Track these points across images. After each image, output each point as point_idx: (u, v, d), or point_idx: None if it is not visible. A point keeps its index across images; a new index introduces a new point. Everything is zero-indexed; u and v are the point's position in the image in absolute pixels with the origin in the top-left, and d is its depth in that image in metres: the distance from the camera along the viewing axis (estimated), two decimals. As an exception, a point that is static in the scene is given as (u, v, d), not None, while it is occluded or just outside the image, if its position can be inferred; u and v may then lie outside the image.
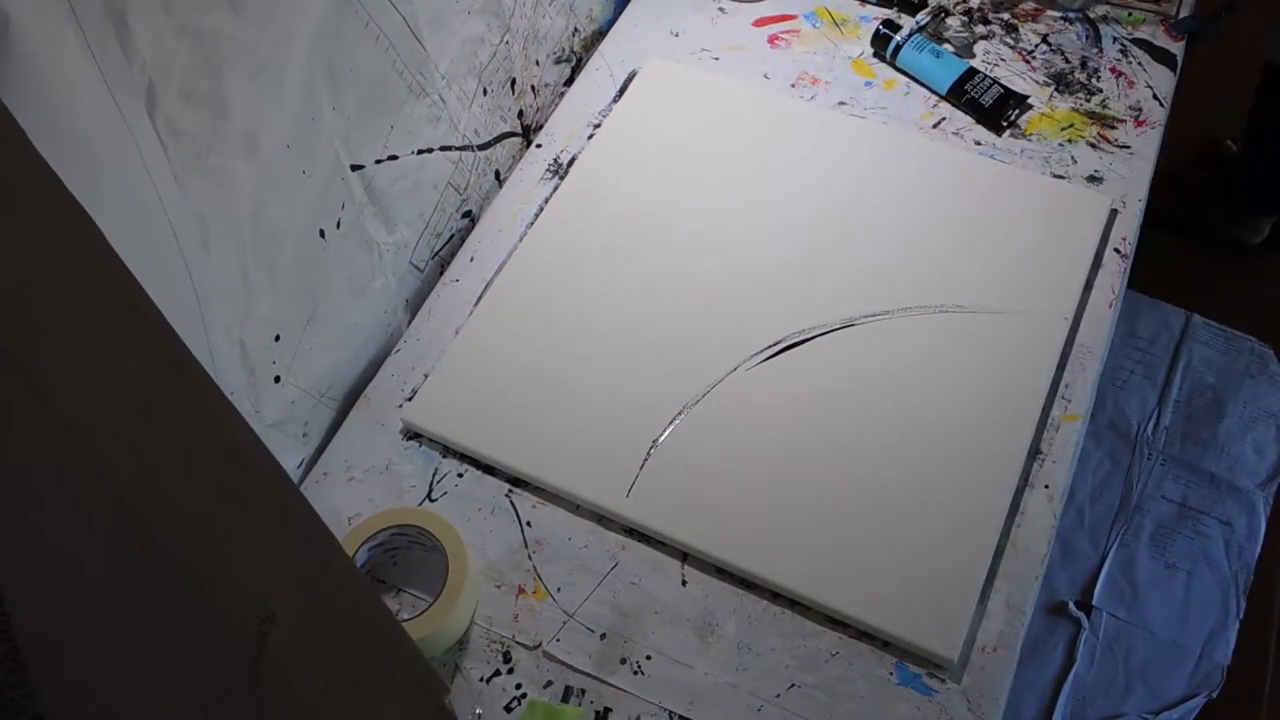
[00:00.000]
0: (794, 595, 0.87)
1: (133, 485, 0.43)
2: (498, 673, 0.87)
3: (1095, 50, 1.21)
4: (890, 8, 1.26)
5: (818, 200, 1.09)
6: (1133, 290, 1.69)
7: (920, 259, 1.04)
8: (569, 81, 1.27)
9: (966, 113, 1.17)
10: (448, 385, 0.99)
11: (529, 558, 0.91)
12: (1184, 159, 1.90)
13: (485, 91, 1.09)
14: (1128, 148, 1.13)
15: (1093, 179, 1.11)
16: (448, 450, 0.98)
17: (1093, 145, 1.13)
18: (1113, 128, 1.14)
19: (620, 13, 1.30)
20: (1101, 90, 1.17)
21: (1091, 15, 1.24)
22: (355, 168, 0.91)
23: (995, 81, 1.16)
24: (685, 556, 0.91)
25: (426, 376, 1.00)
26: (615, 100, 1.20)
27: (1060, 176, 1.11)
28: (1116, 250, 1.06)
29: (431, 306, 1.07)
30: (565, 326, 1.01)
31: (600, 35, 1.29)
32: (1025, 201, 1.07)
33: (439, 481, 0.96)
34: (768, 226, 1.08)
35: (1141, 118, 1.15)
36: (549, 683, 0.86)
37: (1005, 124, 1.15)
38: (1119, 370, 1.68)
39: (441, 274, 1.10)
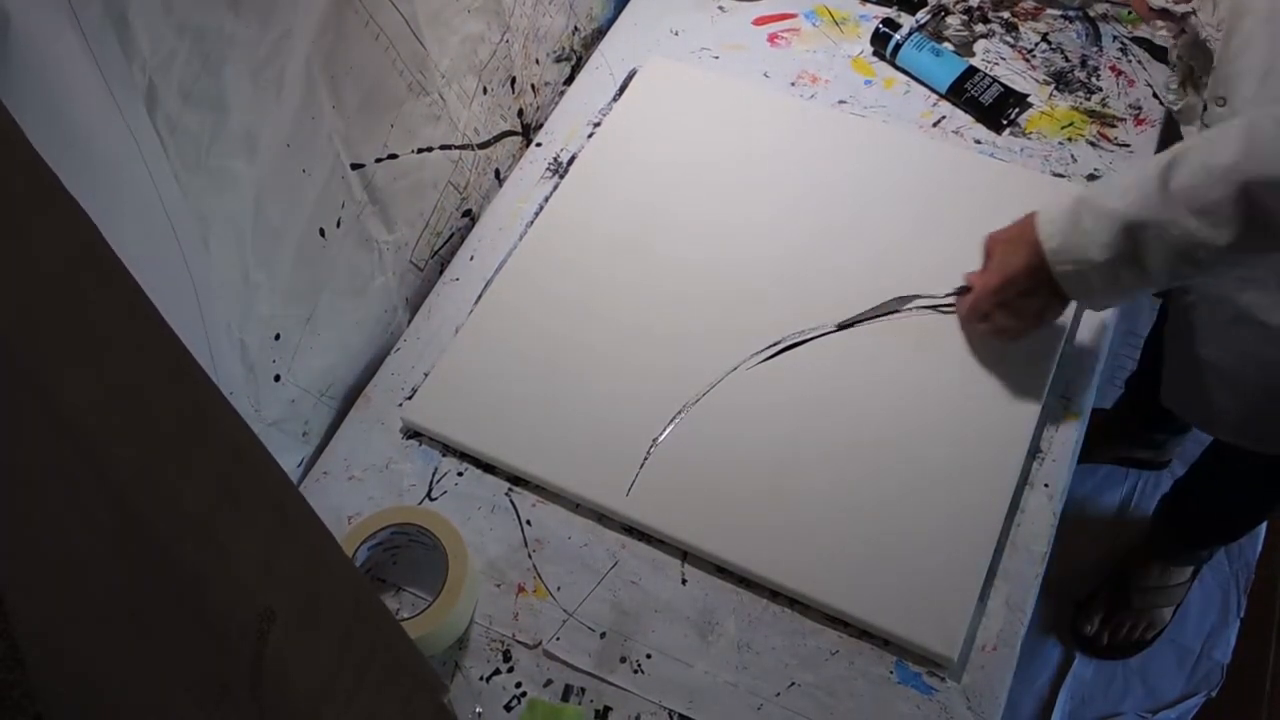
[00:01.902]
0: (794, 594, 0.87)
1: (133, 485, 0.43)
2: (498, 671, 0.87)
3: (1095, 49, 1.21)
4: (890, 6, 1.26)
5: (817, 199, 1.09)
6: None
7: (920, 258, 1.03)
8: (569, 80, 1.27)
9: (966, 111, 1.17)
10: (447, 384, 0.99)
11: (529, 556, 0.91)
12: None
13: (485, 90, 1.09)
14: (1127, 146, 1.13)
15: (1093, 177, 1.11)
16: (448, 449, 0.98)
17: (1092, 144, 1.13)
18: (1113, 126, 1.14)
19: (620, 11, 1.30)
20: (1101, 89, 1.17)
21: (1091, 14, 1.24)
22: (355, 166, 0.91)
23: (995, 80, 1.16)
24: (685, 555, 0.91)
25: (426, 375, 1.01)
26: (615, 99, 1.20)
27: (1060, 175, 1.11)
28: (1116, 249, 1.06)
29: (431, 305, 1.07)
30: (565, 325, 1.01)
31: (600, 34, 1.29)
32: (1025, 200, 1.07)
33: (439, 480, 0.96)
34: (767, 225, 1.07)
35: (1141, 116, 1.15)
36: (549, 682, 0.86)
37: (1005, 122, 1.15)
38: (1119, 369, 1.67)
39: (441, 273, 1.10)
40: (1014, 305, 0.91)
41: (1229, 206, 0.74)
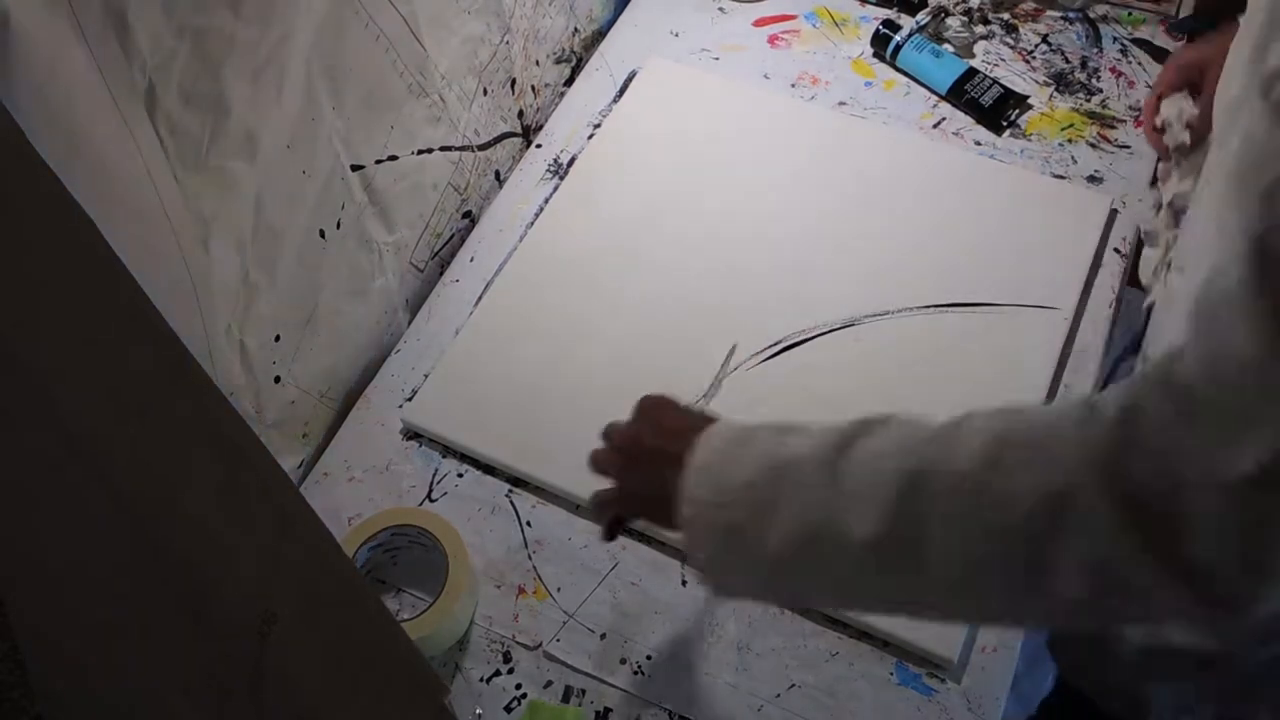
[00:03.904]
0: (794, 595, 0.87)
1: (133, 485, 0.43)
2: (498, 673, 0.87)
3: (1095, 50, 1.21)
4: (890, 8, 1.26)
5: (817, 200, 1.09)
6: (1132, 287, 1.69)
7: (920, 259, 1.04)
8: (569, 81, 1.27)
9: (966, 113, 1.17)
10: (448, 385, 0.99)
11: (529, 558, 0.91)
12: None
13: (485, 91, 1.09)
14: (1127, 147, 1.13)
15: (1093, 179, 1.11)
16: (448, 450, 0.98)
17: (1093, 145, 1.13)
18: (1112, 127, 1.14)
19: (620, 13, 1.30)
20: (1101, 90, 1.17)
21: (1091, 15, 1.24)
22: (355, 168, 0.91)
23: (995, 81, 1.16)
24: (685, 557, 0.90)
25: (426, 376, 1.00)
26: (615, 100, 1.20)
27: (1060, 176, 1.11)
28: (1116, 250, 1.06)
29: (431, 306, 1.07)
30: (565, 326, 1.01)
31: (600, 35, 1.29)
32: (1025, 201, 1.07)
33: (439, 481, 0.96)
34: (768, 226, 1.07)
35: (1141, 118, 1.15)
36: (549, 683, 0.86)
37: (1005, 124, 1.15)
38: (1119, 366, 1.67)
39: (441, 274, 1.10)
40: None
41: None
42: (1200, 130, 0.86)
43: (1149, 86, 1.17)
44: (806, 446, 0.56)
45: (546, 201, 1.12)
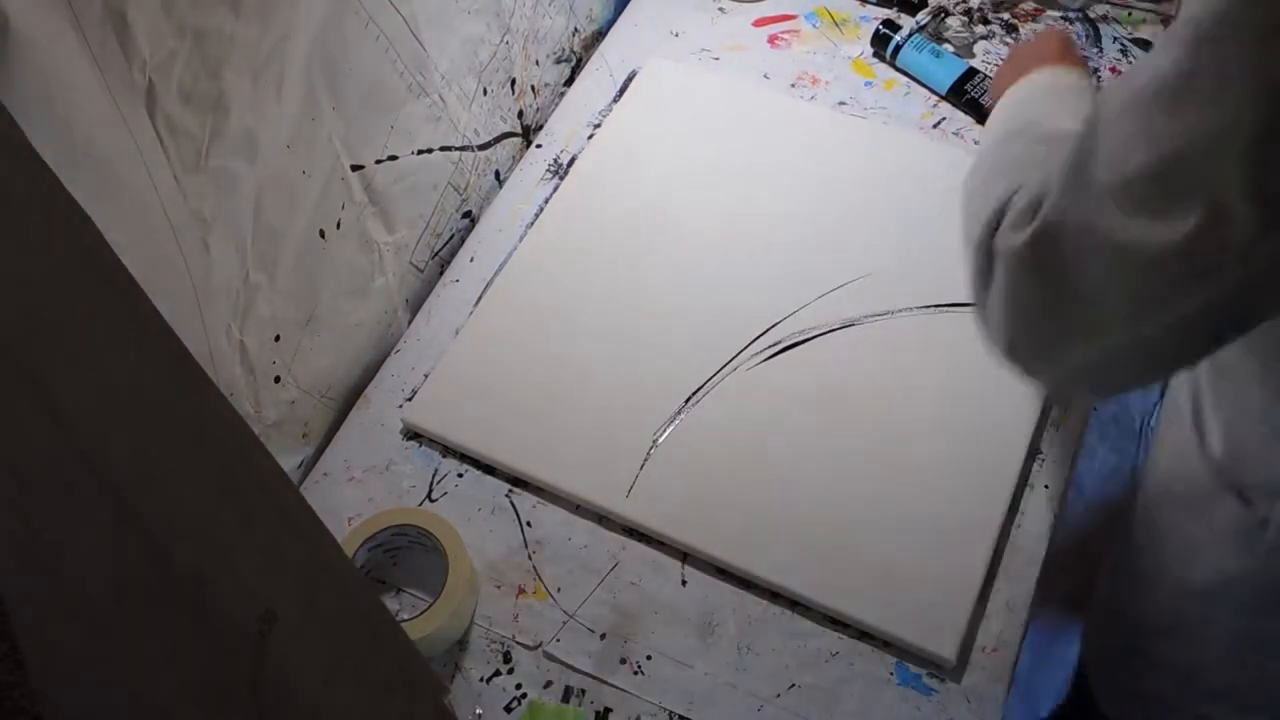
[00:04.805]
0: (794, 595, 0.87)
1: (133, 485, 0.43)
2: (498, 673, 0.87)
3: (1095, 50, 1.21)
4: (890, 8, 1.26)
5: (817, 200, 1.09)
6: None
7: (920, 259, 1.04)
8: (569, 81, 1.27)
9: (966, 113, 1.17)
10: (448, 385, 0.99)
11: (529, 558, 0.91)
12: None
13: (485, 91, 1.09)
14: (1128, 148, 1.13)
15: (1093, 179, 1.10)
16: (448, 450, 0.98)
17: (1093, 145, 1.13)
18: (1113, 128, 1.14)
19: (620, 13, 1.30)
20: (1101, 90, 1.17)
21: (1091, 15, 1.24)
22: (355, 168, 0.91)
23: (995, 81, 1.16)
24: (685, 556, 0.90)
25: (426, 376, 1.00)
26: (615, 100, 1.20)
27: (1060, 176, 1.10)
28: (1116, 250, 1.06)
29: (431, 306, 1.07)
30: (565, 326, 1.01)
31: (600, 35, 1.29)
32: (1025, 201, 1.07)
33: (439, 481, 0.96)
34: (767, 226, 1.08)
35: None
36: (549, 683, 0.86)
37: (1005, 124, 1.15)
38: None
39: (441, 274, 1.10)
40: None
41: None
42: None
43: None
44: (1038, 103, 0.83)
45: (546, 201, 1.12)
